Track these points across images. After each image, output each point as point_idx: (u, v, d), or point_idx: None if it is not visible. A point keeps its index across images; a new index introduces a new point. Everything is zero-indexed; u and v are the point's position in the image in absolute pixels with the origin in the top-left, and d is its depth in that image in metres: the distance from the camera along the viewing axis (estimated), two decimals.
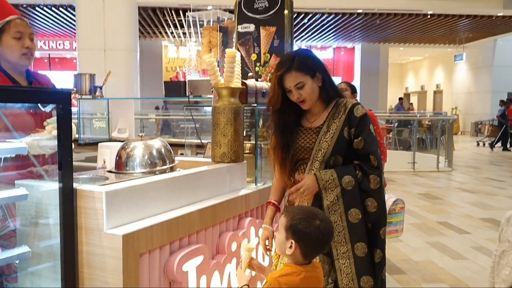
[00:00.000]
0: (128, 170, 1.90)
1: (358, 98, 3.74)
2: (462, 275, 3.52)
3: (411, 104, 20.80)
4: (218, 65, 2.11)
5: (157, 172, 1.88)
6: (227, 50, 2.07)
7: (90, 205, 1.45)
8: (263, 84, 2.49)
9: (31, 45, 1.96)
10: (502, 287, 1.91)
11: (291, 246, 1.49)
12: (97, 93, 3.33)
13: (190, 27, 3.19)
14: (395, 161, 8.16)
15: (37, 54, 18.23)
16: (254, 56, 2.80)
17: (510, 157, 11.73)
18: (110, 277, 1.42)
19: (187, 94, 2.70)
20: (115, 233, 1.41)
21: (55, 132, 1.50)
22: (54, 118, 1.52)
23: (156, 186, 1.65)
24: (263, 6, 2.77)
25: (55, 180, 1.43)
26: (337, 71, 19.32)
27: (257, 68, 2.76)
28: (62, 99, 1.42)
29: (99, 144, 2.48)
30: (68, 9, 11.86)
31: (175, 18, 12.84)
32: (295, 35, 15.44)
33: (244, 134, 2.31)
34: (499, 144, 13.85)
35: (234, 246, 1.93)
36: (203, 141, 2.75)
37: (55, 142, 1.42)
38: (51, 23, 14.04)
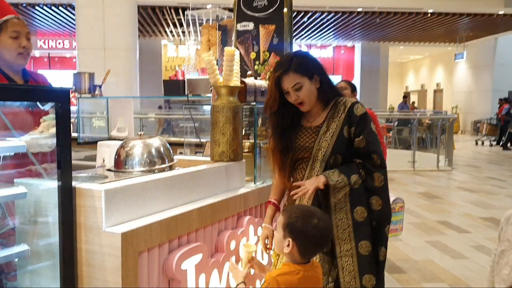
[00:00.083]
0: (127, 169, 1.90)
1: (358, 96, 3.74)
2: (462, 274, 3.53)
3: (413, 102, 20.80)
4: (217, 64, 2.11)
5: (156, 171, 1.88)
6: (226, 48, 2.06)
7: (89, 204, 1.45)
8: (262, 83, 2.49)
9: (28, 45, 1.96)
10: (502, 287, 1.90)
11: (288, 245, 1.49)
12: (97, 92, 3.33)
13: (189, 25, 3.19)
14: (395, 160, 8.16)
15: (37, 53, 18.24)
16: (253, 55, 2.80)
17: (510, 156, 11.73)
18: (109, 275, 1.42)
19: (186, 93, 2.70)
20: (114, 232, 1.41)
21: (52, 130, 1.50)
22: (51, 116, 1.52)
23: (155, 184, 1.65)
24: (262, 4, 2.76)
25: (54, 179, 1.43)
26: (337, 70, 19.31)
27: (256, 67, 2.76)
28: (61, 97, 1.42)
29: (98, 143, 2.48)
30: (68, 8, 11.85)
31: (174, 17, 12.83)
32: (295, 34, 15.45)
33: (243, 133, 2.31)
34: (496, 143, 13.88)
35: (233, 245, 1.93)
36: (202, 140, 2.75)
37: (54, 140, 1.42)
38: (51, 22, 14.03)
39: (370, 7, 12.12)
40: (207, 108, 3.24)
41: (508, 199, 6.39)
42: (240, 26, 2.82)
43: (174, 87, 3.11)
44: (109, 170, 1.99)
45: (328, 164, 1.77)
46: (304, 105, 1.79)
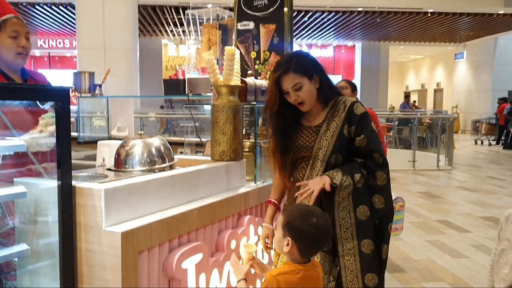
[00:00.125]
0: (127, 168, 1.90)
1: (358, 96, 3.74)
2: (462, 273, 3.53)
3: (414, 101, 20.79)
4: (217, 63, 2.10)
5: (156, 170, 1.87)
6: (226, 47, 2.06)
7: (89, 203, 1.45)
8: (263, 82, 2.48)
9: (27, 45, 1.96)
10: (501, 287, 1.90)
11: (288, 244, 1.49)
12: (97, 91, 3.33)
13: (190, 25, 3.18)
14: (395, 160, 8.14)
15: (37, 52, 18.24)
16: (253, 54, 2.80)
17: (510, 156, 11.72)
18: (109, 274, 1.42)
19: (186, 92, 2.70)
20: (114, 231, 1.41)
21: (50, 128, 1.50)
22: (49, 114, 1.52)
23: (155, 184, 1.65)
24: (263, 3, 2.76)
25: (54, 178, 1.43)
26: (337, 69, 19.31)
27: (256, 66, 2.76)
28: (60, 96, 1.42)
29: (98, 142, 2.48)
30: (68, 7, 11.85)
31: (174, 16, 12.83)
32: (295, 33, 15.45)
33: (244, 132, 2.31)
34: (496, 142, 13.89)
35: (233, 244, 1.93)
36: (202, 139, 2.74)
37: (53, 139, 1.42)
38: (51, 22, 14.03)
39: (370, 7, 12.11)
40: (208, 107, 3.24)
41: (508, 198, 6.38)
42: (240, 26, 2.81)
43: (174, 86, 3.10)
44: (109, 169, 1.99)
45: (329, 164, 1.77)
46: (304, 105, 1.79)
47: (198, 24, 3.22)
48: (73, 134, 3.24)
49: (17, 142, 1.48)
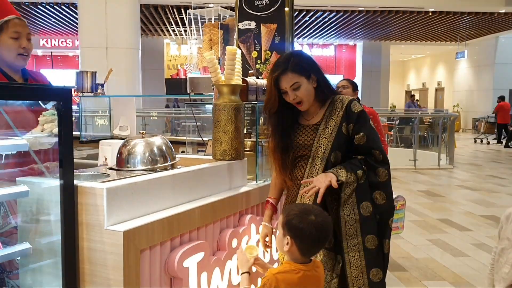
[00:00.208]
0: (129, 167, 1.91)
1: (359, 95, 3.74)
2: (463, 272, 3.53)
3: (417, 100, 20.78)
4: (219, 63, 2.11)
5: (158, 170, 1.88)
6: (228, 47, 2.07)
7: (91, 202, 1.46)
8: (264, 82, 2.49)
9: (28, 46, 1.97)
10: (502, 286, 1.90)
11: (288, 243, 1.49)
12: (99, 91, 3.33)
13: (191, 24, 3.19)
14: (396, 159, 8.14)
15: (40, 52, 18.26)
16: (255, 54, 2.80)
17: (511, 154, 11.73)
18: (111, 273, 1.43)
19: (188, 92, 2.71)
20: (116, 230, 1.42)
21: (50, 125, 1.50)
22: (50, 111, 1.53)
23: (157, 183, 1.65)
24: (264, 3, 2.77)
25: (56, 177, 1.44)
26: (338, 69, 19.29)
27: (258, 66, 2.76)
28: (62, 96, 1.43)
29: (100, 141, 2.49)
30: (70, 7, 11.86)
31: (176, 15, 12.83)
32: (296, 33, 15.43)
33: (245, 132, 2.32)
34: (496, 141, 13.89)
35: (234, 243, 1.94)
36: (204, 138, 2.75)
37: (54, 138, 1.43)
38: (53, 21, 14.05)
39: (371, 6, 12.10)
40: (209, 106, 3.25)
41: (509, 197, 6.38)
42: (241, 25, 2.82)
43: (176, 86, 3.11)
44: (111, 168, 2.00)
45: (328, 161, 1.78)
46: (303, 104, 1.80)
47: (199, 24, 3.23)
48: (75, 133, 3.25)
49: (20, 141, 1.48)
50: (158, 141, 1.97)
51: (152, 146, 1.94)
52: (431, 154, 9.88)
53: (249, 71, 2.74)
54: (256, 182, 2.24)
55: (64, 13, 12.75)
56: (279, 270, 1.53)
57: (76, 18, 10.66)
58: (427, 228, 4.73)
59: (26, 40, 1.95)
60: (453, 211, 5.56)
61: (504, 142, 13.73)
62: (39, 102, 1.55)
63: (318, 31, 15.82)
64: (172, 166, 1.96)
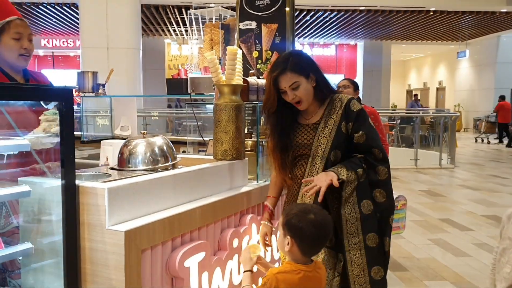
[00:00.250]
0: (130, 167, 1.91)
1: (360, 95, 3.74)
2: (465, 272, 3.52)
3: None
4: (219, 63, 2.11)
5: (159, 169, 1.89)
6: (228, 47, 2.07)
7: (92, 202, 1.46)
8: (264, 82, 2.49)
9: (29, 46, 1.97)
10: (503, 286, 1.90)
11: (288, 243, 1.50)
12: (100, 91, 3.34)
13: (192, 24, 3.19)
14: (397, 158, 8.14)
15: (41, 52, 18.29)
16: (255, 53, 2.80)
17: None
18: (113, 273, 1.43)
19: (188, 92, 2.71)
20: (117, 229, 1.42)
21: (52, 124, 1.51)
22: (52, 111, 1.53)
23: (158, 183, 1.66)
24: (265, 3, 2.77)
25: (58, 177, 1.44)
26: (339, 68, 19.28)
27: (258, 65, 2.76)
28: (64, 96, 1.43)
29: (101, 141, 2.49)
30: (71, 7, 11.87)
31: (177, 15, 12.84)
32: (297, 33, 15.43)
33: (246, 132, 2.32)
34: (498, 140, 13.88)
35: (235, 243, 1.94)
36: (205, 138, 2.75)
37: (56, 138, 1.43)
38: (55, 21, 14.07)
39: (372, 6, 12.09)
40: (210, 106, 3.25)
41: (511, 196, 6.37)
42: (242, 25, 2.82)
43: (177, 86, 3.11)
44: (112, 168, 2.00)
45: (328, 160, 1.79)
46: (302, 103, 1.81)
47: (200, 24, 3.23)
48: (77, 133, 3.25)
49: (22, 141, 1.49)
50: (159, 141, 1.98)
51: (153, 146, 1.94)
52: (432, 153, 9.87)
53: (250, 71, 2.74)
54: (257, 182, 2.24)
55: (65, 13, 12.76)
56: (280, 270, 1.53)
57: (77, 18, 10.69)
58: (429, 228, 4.73)
59: (27, 41, 1.96)
60: (454, 210, 5.56)
61: (505, 141, 13.72)
62: (41, 102, 1.56)
63: (319, 30, 15.82)
64: (173, 166, 1.96)
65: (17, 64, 1.97)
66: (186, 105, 2.87)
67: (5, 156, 1.55)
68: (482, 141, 14.62)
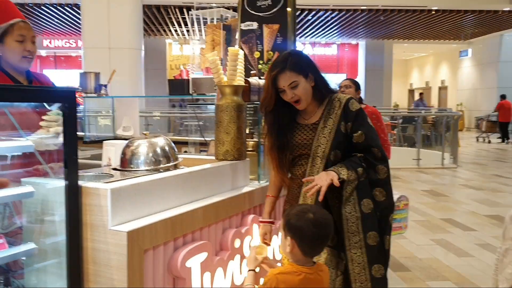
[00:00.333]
0: (132, 168, 1.92)
1: (362, 94, 3.75)
2: (467, 272, 3.52)
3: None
4: (221, 63, 2.12)
5: (161, 170, 1.89)
6: (230, 48, 2.08)
7: (95, 202, 1.47)
8: None
9: (33, 48, 1.99)
10: (505, 286, 1.90)
11: (289, 244, 1.50)
12: (102, 92, 3.36)
13: (194, 25, 3.20)
14: (399, 158, 8.14)
15: (43, 52, 18.33)
16: (257, 54, 2.80)
17: None
18: (115, 273, 1.44)
19: (190, 92, 2.72)
20: (120, 230, 1.43)
21: (54, 125, 1.52)
22: (55, 111, 1.54)
23: (160, 183, 1.66)
24: (266, 4, 2.77)
25: (60, 178, 1.45)
26: (341, 68, 19.26)
27: (260, 66, 2.77)
28: (67, 97, 1.44)
29: (104, 142, 2.50)
30: (73, 7, 11.90)
31: (179, 16, 12.85)
32: (299, 32, 15.43)
33: (247, 132, 2.33)
34: (501, 140, 13.86)
35: (237, 243, 1.95)
36: (206, 138, 2.76)
37: (59, 138, 1.44)
38: (57, 22, 14.10)
39: (374, 5, 12.07)
40: (212, 107, 3.26)
41: None
42: (244, 26, 2.82)
43: (179, 86, 3.12)
44: (114, 169, 2.01)
45: (329, 160, 1.80)
46: (301, 103, 1.81)
47: (202, 24, 3.24)
48: (79, 133, 3.26)
49: (25, 142, 1.50)
50: (161, 141, 1.99)
51: (155, 147, 1.95)
52: (434, 153, 9.85)
53: (251, 72, 2.74)
54: (259, 182, 2.24)
55: (67, 13, 12.79)
56: (281, 270, 1.53)
57: (79, 19, 10.71)
58: (431, 228, 4.73)
59: (30, 43, 1.98)
60: (457, 210, 5.55)
61: (507, 140, 13.70)
62: (44, 103, 1.57)
63: (320, 30, 15.81)
64: (175, 167, 1.97)
65: (20, 66, 1.98)
66: (188, 105, 2.87)
67: (9, 157, 1.56)
68: (484, 140, 14.60)
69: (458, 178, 8.04)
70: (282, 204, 2.08)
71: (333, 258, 1.80)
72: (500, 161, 10.19)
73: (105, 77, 3.49)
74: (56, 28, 15.29)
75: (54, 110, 1.57)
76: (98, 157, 2.59)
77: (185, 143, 2.97)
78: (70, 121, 1.43)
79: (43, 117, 1.61)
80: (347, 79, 3.75)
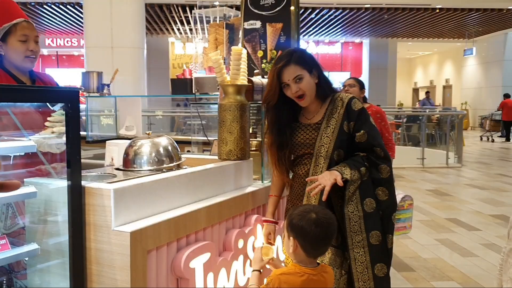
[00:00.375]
0: (135, 168, 1.91)
1: (366, 93, 3.73)
2: (472, 272, 3.50)
3: (420, 101, 20.65)
4: (224, 63, 2.11)
5: (164, 170, 1.89)
6: (233, 47, 2.07)
7: (98, 203, 1.46)
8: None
9: (36, 48, 1.99)
10: (509, 287, 1.88)
11: (292, 244, 1.49)
12: (105, 91, 3.35)
13: (197, 24, 3.19)
14: (404, 157, 8.10)
15: (45, 51, 18.39)
16: (260, 53, 2.79)
17: None
18: (118, 273, 1.43)
19: (193, 92, 2.71)
20: (123, 230, 1.42)
21: (58, 126, 1.51)
22: (59, 112, 1.54)
23: (163, 183, 1.66)
24: (269, 2, 2.76)
25: (63, 178, 1.44)
26: (345, 66, 19.22)
27: (263, 65, 2.75)
28: (70, 97, 1.43)
29: (107, 142, 2.49)
30: (76, 6, 11.93)
31: (181, 14, 12.86)
32: (302, 31, 15.40)
33: (250, 131, 2.31)
34: (505, 139, 13.80)
35: (241, 243, 1.94)
36: (209, 138, 2.75)
37: (63, 140, 1.43)
38: (59, 21, 14.13)
39: (378, 3, 12.04)
40: (215, 106, 3.25)
41: None
42: (247, 25, 2.81)
43: (181, 85, 3.11)
44: (117, 169, 2.00)
45: (332, 160, 1.80)
46: (305, 98, 1.81)
47: (205, 23, 3.23)
48: (82, 133, 3.26)
49: (27, 142, 1.49)
50: (164, 141, 1.98)
51: (158, 147, 1.94)
52: (439, 152, 9.81)
53: (255, 71, 2.73)
54: (262, 182, 2.23)
55: (70, 12, 12.82)
56: (283, 271, 1.53)
57: (82, 18, 10.72)
58: (435, 228, 4.70)
59: (33, 43, 1.98)
60: (461, 210, 5.52)
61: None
62: (47, 103, 1.56)
63: (324, 28, 15.78)
64: (178, 166, 1.96)
65: (23, 65, 1.98)
66: (191, 104, 2.87)
67: (12, 157, 1.55)
68: (488, 139, 14.54)
69: (462, 177, 8.01)
70: (285, 203, 2.08)
71: (337, 258, 1.81)
72: (504, 160, 10.14)
73: (108, 77, 3.48)
74: (58, 27, 15.33)
75: (59, 111, 1.57)
76: (101, 156, 2.58)
77: (188, 143, 2.96)
78: (73, 121, 1.43)
79: (48, 119, 1.60)
80: (351, 78, 3.73)
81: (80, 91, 3.22)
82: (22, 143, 1.48)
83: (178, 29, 15.49)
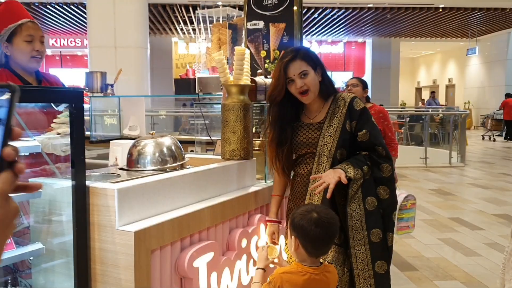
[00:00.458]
0: (139, 168, 1.92)
1: (369, 93, 3.73)
2: (475, 271, 3.49)
3: (423, 100, 20.60)
4: (227, 63, 2.11)
5: (167, 170, 1.89)
6: (236, 47, 2.07)
7: (102, 202, 1.47)
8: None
9: (41, 48, 1.99)
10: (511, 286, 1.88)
11: (294, 243, 1.50)
12: (108, 91, 3.36)
13: (200, 24, 3.19)
14: (407, 157, 8.09)
15: (49, 51, 18.43)
16: (263, 53, 2.79)
17: None
18: (122, 273, 1.44)
19: (196, 92, 2.71)
20: (127, 230, 1.43)
21: (64, 127, 1.52)
22: (65, 113, 1.55)
23: (167, 183, 1.66)
24: (272, 3, 2.76)
25: (68, 178, 1.45)
26: (348, 66, 19.18)
27: (266, 65, 2.75)
28: (74, 98, 1.44)
29: (110, 141, 2.50)
30: (79, 6, 11.95)
31: (184, 14, 12.87)
32: (305, 30, 15.38)
33: (254, 131, 2.32)
34: (506, 138, 13.77)
35: (244, 243, 1.94)
36: (213, 138, 2.76)
37: (68, 141, 1.44)
38: (62, 21, 14.17)
39: (380, 3, 12.01)
40: (218, 106, 3.25)
41: None
42: (250, 25, 2.81)
43: (184, 85, 3.12)
44: (121, 169, 2.01)
45: (335, 159, 1.81)
46: (309, 94, 1.82)
47: (208, 23, 3.23)
48: (86, 133, 3.27)
49: (32, 143, 1.50)
50: (167, 141, 1.98)
51: (162, 147, 1.95)
52: (442, 152, 9.79)
53: (258, 71, 2.73)
54: (265, 182, 2.24)
55: (73, 12, 12.85)
56: (286, 270, 1.53)
57: (85, 18, 10.75)
58: (438, 227, 4.70)
59: (39, 43, 1.98)
60: (464, 209, 5.51)
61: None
62: (52, 104, 1.57)
63: (327, 28, 15.75)
64: (182, 166, 1.97)
65: (29, 66, 1.99)
66: (194, 104, 2.87)
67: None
68: (490, 138, 14.50)
69: (465, 176, 7.99)
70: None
71: (340, 256, 1.82)
72: (507, 160, 10.10)
73: (111, 76, 3.49)
74: (62, 27, 15.37)
75: (65, 113, 1.58)
76: (105, 156, 2.59)
77: (192, 143, 2.97)
78: (78, 122, 1.44)
79: (54, 120, 1.61)
80: (354, 77, 3.73)
81: (84, 91, 3.23)
82: (27, 143, 1.49)
83: (181, 29, 15.50)
